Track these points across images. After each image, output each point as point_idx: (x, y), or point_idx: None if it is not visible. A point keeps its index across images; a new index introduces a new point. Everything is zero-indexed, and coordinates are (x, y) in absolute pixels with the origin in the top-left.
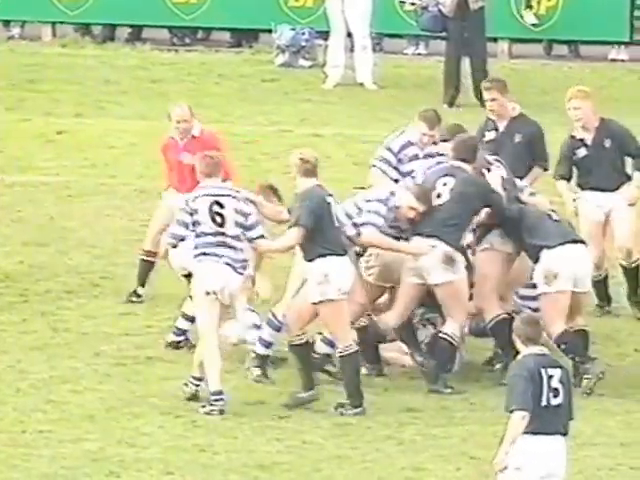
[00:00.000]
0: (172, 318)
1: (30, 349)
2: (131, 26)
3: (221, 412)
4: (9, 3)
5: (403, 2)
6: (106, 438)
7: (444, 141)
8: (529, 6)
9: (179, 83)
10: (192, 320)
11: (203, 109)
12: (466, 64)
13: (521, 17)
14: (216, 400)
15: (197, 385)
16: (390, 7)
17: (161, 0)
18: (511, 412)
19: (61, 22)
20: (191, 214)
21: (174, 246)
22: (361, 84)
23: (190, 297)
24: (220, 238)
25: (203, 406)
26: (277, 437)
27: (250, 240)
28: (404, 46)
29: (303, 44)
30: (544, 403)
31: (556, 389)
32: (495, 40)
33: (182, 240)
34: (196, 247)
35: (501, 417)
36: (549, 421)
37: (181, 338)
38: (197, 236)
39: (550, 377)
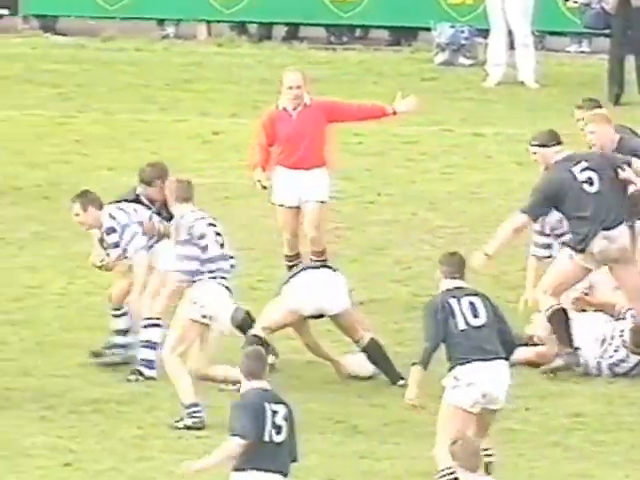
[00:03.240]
0: (329, 321)
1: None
2: (288, 24)
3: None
4: (164, 2)
5: None
6: None
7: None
8: None
9: (336, 82)
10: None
11: None
12: (630, 61)
13: None
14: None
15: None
16: (552, 4)
17: None
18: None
19: (217, 21)
20: (198, 244)
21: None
22: (522, 82)
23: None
24: (221, 262)
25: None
26: None
27: None
28: (567, 44)
29: (463, 42)
30: (266, 439)
31: (279, 426)
32: None
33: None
34: (202, 273)
35: None
36: (270, 458)
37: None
38: (203, 262)
39: (274, 413)
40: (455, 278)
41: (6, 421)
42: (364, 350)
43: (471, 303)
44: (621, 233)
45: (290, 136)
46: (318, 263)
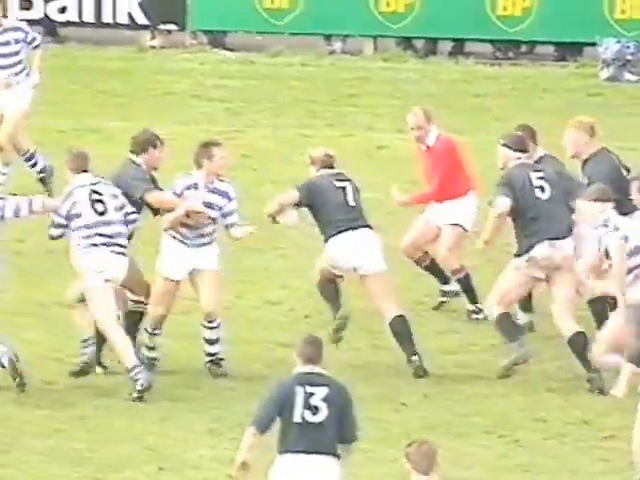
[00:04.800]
0: (493, 336)
1: (349, 366)
2: (454, 40)
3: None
4: (331, 17)
5: None
6: None
7: None
8: None
9: (502, 98)
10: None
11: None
12: None
13: None
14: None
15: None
16: None
17: (484, 13)
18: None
19: (383, 36)
20: (69, 209)
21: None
22: None
23: None
24: (103, 228)
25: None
26: (602, 457)
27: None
28: None
29: (629, 57)
30: (298, 419)
31: (316, 407)
32: None
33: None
34: (80, 239)
35: None
36: (306, 438)
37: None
38: (78, 229)
39: (310, 395)
40: None
41: (174, 433)
42: (390, 325)
43: None
44: (568, 245)
45: (425, 169)
46: (357, 223)
